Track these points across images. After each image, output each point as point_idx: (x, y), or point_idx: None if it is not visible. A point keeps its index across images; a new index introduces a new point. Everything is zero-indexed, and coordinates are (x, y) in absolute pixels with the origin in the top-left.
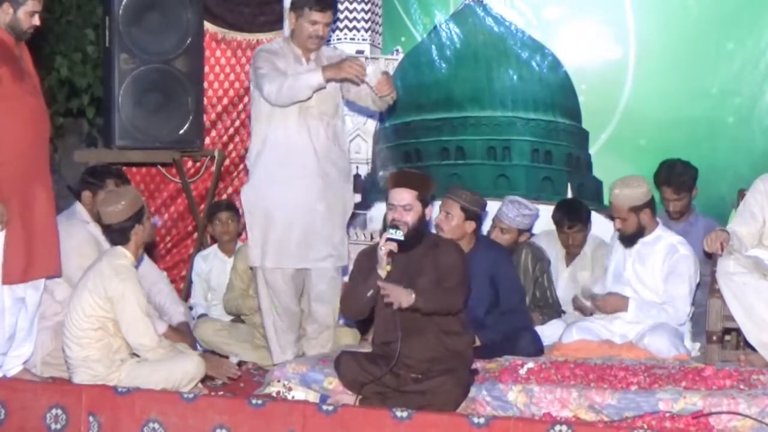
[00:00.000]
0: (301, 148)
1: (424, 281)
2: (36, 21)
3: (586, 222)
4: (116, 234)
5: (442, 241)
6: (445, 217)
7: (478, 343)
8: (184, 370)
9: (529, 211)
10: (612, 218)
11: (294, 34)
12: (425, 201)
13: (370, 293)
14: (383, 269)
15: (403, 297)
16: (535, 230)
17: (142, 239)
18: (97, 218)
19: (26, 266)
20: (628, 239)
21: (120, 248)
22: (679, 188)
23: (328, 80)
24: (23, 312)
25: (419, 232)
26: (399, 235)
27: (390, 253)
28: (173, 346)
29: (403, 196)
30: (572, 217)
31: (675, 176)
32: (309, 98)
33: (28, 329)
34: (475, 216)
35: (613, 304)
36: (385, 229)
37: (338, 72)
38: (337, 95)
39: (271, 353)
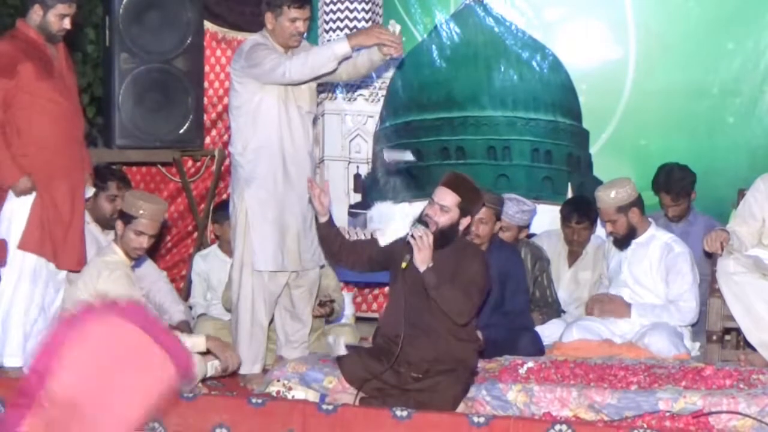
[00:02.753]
0: (301, 147)
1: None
2: (66, 24)
3: (594, 221)
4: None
5: (469, 247)
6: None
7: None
8: None
9: (528, 206)
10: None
11: (273, 34)
12: (465, 210)
13: (324, 219)
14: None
15: (424, 255)
16: (536, 231)
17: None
18: (98, 219)
19: (43, 240)
20: (622, 241)
21: (113, 245)
22: (677, 195)
23: (354, 48)
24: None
25: (445, 237)
26: (423, 231)
27: (409, 249)
28: None
29: (446, 197)
30: (582, 213)
31: (673, 182)
32: (333, 71)
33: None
34: (498, 215)
35: (616, 307)
36: (420, 219)
37: (367, 39)
38: (315, 93)
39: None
